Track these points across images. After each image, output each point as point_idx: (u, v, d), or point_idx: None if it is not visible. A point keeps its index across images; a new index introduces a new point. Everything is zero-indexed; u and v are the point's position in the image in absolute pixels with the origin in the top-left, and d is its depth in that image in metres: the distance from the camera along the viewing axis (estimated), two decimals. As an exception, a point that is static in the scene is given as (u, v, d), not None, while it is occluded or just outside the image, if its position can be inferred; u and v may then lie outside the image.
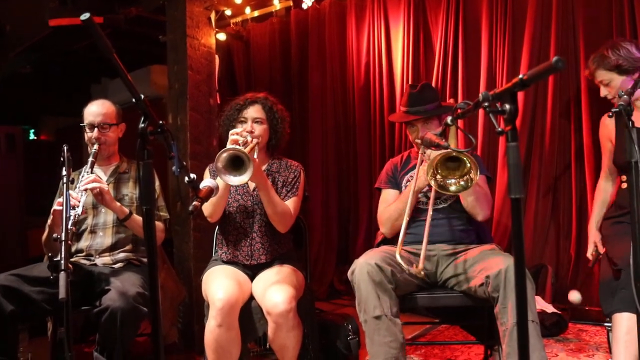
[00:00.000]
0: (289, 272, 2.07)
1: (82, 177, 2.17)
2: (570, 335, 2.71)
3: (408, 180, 2.25)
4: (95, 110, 2.33)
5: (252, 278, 2.10)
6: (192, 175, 1.48)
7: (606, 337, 2.15)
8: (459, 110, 1.37)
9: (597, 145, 2.45)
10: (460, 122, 2.93)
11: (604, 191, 2.28)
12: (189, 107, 3.05)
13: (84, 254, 2.28)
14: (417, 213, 2.16)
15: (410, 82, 3.47)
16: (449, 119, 1.43)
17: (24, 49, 4.58)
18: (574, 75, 2.94)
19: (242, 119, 2.16)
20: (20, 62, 4.97)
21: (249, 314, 1.98)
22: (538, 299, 2.76)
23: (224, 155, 1.85)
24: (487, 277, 1.83)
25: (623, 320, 1.81)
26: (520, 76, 1.05)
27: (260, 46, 4.35)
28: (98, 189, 2.12)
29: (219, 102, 3.28)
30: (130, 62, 4.75)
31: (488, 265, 1.88)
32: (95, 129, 2.31)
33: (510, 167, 1.10)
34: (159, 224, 2.34)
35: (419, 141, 2.20)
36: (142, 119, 1.23)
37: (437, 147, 1.70)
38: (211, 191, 1.71)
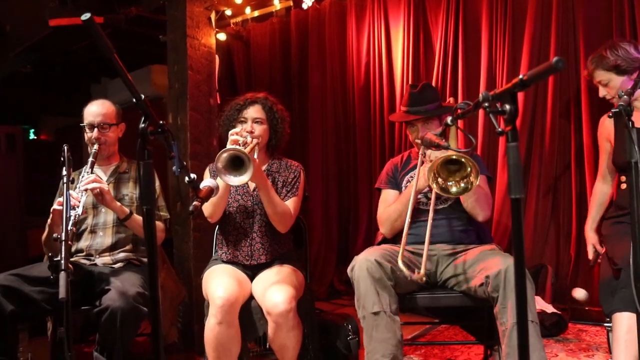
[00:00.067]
0: (289, 272, 2.07)
1: (82, 177, 2.17)
2: (570, 336, 2.71)
3: (408, 181, 2.25)
4: (95, 110, 2.33)
5: (252, 278, 2.10)
6: (193, 175, 1.48)
7: (606, 337, 2.15)
8: (459, 111, 1.38)
9: (597, 145, 2.45)
10: (460, 122, 2.95)
11: (601, 193, 2.30)
12: (189, 107, 3.06)
13: (84, 253, 2.28)
14: (417, 213, 2.16)
15: (410, 82, 3.47)
16: (449, 119, 1.43)
17: (24, 48, 4.58)
18: (574, 75, 2.94)
19: (242, 119, 2.16)
20: (20, 62, 4.97)
21: (249, 314, 1.98)
22: (538, 299, 2.76)
23: (224, 155, 1.85)
24: (487, 277, 1.83)
25: (623, 320, 1.81)
26: (521, 76, 1.05)
27: (261, 46, 4.35)
28: (98, 189, 2.12)
29: (219, 102, 3.29)
30: (131, 62, 4.74)
31: (488, 265, 1.88)
32: (95, 129, 2.31)
33: (510, 167, 1.11)
34: (159, 224, 2.34)
35: (419, 141, 2.21)
36: (143, 119, 1.23)
37: (437, 147, 1.70)
38: (211, 191, 1.71)
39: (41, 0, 3.85)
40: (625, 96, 1.59)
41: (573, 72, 2.94)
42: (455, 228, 2.16)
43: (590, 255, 2.30)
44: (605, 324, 2.02)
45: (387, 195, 2.29)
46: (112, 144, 2.39)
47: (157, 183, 2.30)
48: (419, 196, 2.17)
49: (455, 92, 3.31)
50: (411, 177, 2.24)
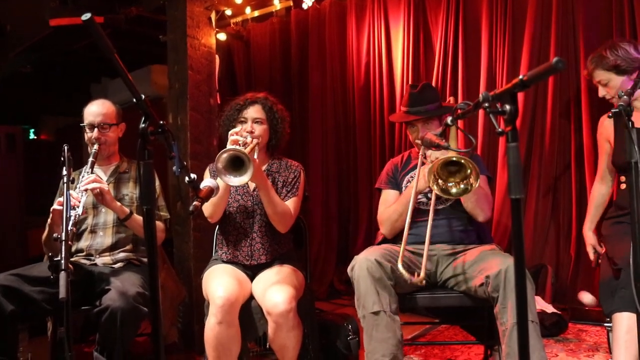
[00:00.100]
0: (289, 272, 2.07)
1: (83, 177, 2.17)
2: (570, 336, 2.71)
3: (408, 181, 2.25)
4: (95, 110, 2.33)
5: (252, 278, 2.10)
6: (193, 176, 1.48)
7: (606, 337, 2.15)
8: (459, 111, 1.38)
9: (597, 145, 2.45)
10: (460, 122, 2.95)
11: (599, 194, 2.29)
12: (189, 107, 3.06)
13: (84, 253, 2.28)
14: (417, 213, 2.16)
15: (410, 82, 3.47)
16: (449, 119, 1.43)
17: (24, 48, 4.58)
18: (574, 75, 2.94)
19: (242, 119, 2.16)
20: (20, 61, 4.97)
21: (249, 314, 1.98)
22: (538, 299, 2.76)
23: (224, 155, 1.85)
24: (487, 277, 1.84)
25: (623, 320, 1.81)
26: (521, 77, 1.05)
27: (261, 46, 4.35)
28: (98, 189, 2.12)
29: (219, 102, 3.29)
30: (131, 62, 4.74)
31: (488, 266, 1.88)
32: (95, 129, 2.31)
33: (510, 167, 1.11)
34: (159, 224, 2.34)
35: (419, 142, 2.21)
36: (143, 119, 1.23)
37: (437, 147, 1.70)
38: (211, 191, 1.71)
39: (41, 0, 3.85)
40: (625, 96, 1.59)
41: (573, 72, 2.94)
42: (455, 228, 2.16)
43: (591, 256, 2.30)
44: (606, 324, 2.02)
45: (388, 196, 2.29)
46: (112, 144, 2.39)
47: (157, 183, 2.30)
48: (420, 196, 2.17)
49: (455, 92, 3.31)
50: (411, 177, 2.24)
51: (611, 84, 2.10)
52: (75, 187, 2.18)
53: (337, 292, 3.95)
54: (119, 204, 2.23)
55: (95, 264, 2.24)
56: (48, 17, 3.75)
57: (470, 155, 2.23)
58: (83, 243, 2.29)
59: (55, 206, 2.08)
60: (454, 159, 1.88)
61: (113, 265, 2.24)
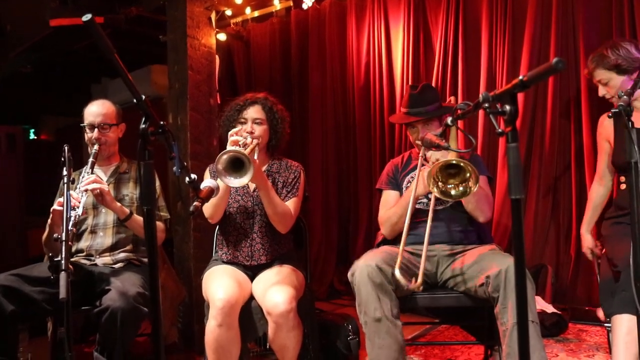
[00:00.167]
0: (289, 272, 2.07)
1: (83, 177, 2.17)
2: (570, 336, 2.71)
3: (409, 182, 2.25)
4: (96, 110, 2.33)
5: (252, 278, 2.10)
6: (193, 176, 1.48)
7: (606, 337, 2.15)
8: (459, 111, 1.38)
9: (597, 145, 2.46)
10: (460, 123, 2.95)
11: (597, 195, 2.29)
12: (189, 107, 3.06)
13: (84, 254, 2.28)
14: (418, 214, 2.16)
15: (410, 82, 3.48)
16: (449, 119, 1.43)
17: (25, 48, 4.57)
18: (574, 75, 2.94)
19: (242, 120, 2.15)
20: (20, 61, 4.97)
21: (249, 314, 1.98)
22: (538, 299, 2.76)
23: (224, 157, 1.84)
24: (488, 277, 1.84)
25: (623, 322, 1.81)
26: (521, 77, 1.05)
27: (261, 46, 4.35)
28: (98, 190, 2.12)
29: (219, 102, 3.29)
30: (131, 62, 4.74)
31: (488, 266, 1.88)
32: (96, 129, 2.31)
33: (510, 167, 1.11)
34: (159, 224, 2.34)
35: (419, 142, 2.21)
36: (143, 119, 1.23)
37: (437, 147, 1.70)
38: (212, 191, 1.71)
39: (42, 0, 3.85)
40: (625, 96, 1.59)
41: (573, 72, 2.94)
42: (455, 228, 2.16)
43: (589, 257, 2.31)
44: (606, 324, 2.02)
45: (388, 196, 2.29)
46: (112, 144, 2.39)
47: (157, 183, 2.30)
48: (420, 197, 2.17)
49: (455, 92, 3.31)
50: (411, 177, 2.24)
51: (611, 84, 2.09)
52: (76, 188, 2.18)
53: (337, 292, 3.95)
54: (119, 204, 2.23)
55: (96, 264, 2.24)
56: (48, 17, 3.75)
57: (470, 155, 2.23)
58: (83, 243, 2.29)
59: (56, 206, 2.08)
60: (454, 162, 1.88)
61: (113, 266, 2.24)
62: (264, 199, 2.04)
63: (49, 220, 2.16)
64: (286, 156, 2.32)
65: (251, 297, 2.02)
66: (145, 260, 2.29)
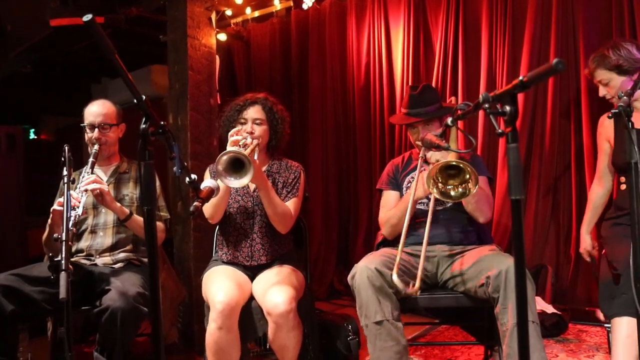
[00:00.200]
0: (289, 272, 2.07)
1: (83, 177, 2.17)
2: (570, 336, 2.71)
3: (409, 182, 2.25)
4: (96, 110, 2.33)
5: (252, 279, 2.10)
6: (193, 176, 1.48)
7: (606, 337, 2.15)
8: (459, 112, 1.38)
9: (597, 145, 2.46)
10: (460, 123, 2.95)
11: (597, 196, 2.28)
12: (190, 107, 3.06)
13: (84, 254, 2.28)
14: (417, 214, 2.16)
15: (410, 83, 3.48)
16: (449, 120, 1.43)
17: (25, 48, 4.58)
18: (574, 76, 2.94)
19: (242, 120, 2.15)
20: (20, 61, 4.97)
21: (249, 315, 1.98)
22: (538, 299, 2.76)
23: (224, 158, 1.84)
24: (488, 277, 1.84)
25: (623, 324, 1.81)
26: (521, 78, 1.05)
27: (261, 46, 4.35)
28: (98, 190, 2.12)
29: (219, 102, 3.29)
30: (131, 62, 4.73)
31: (488, 266, 1.88)
32: (96, 129, 2.31)
33: (510, 168, 1.11)
34: (159, 224, 2.34)
35: (419, 143, 2.21)
36: (144, 119, 1.23)
37: (438, 148, 1.70)
38: (212, 192, 1.71)
39: (42, 0, 3.85)
40: (624, 97, 1.59)
41: (573, 72, 2.94)
42: (455, 229, 2.15)
43: (587, 259, 2.32)
44: (605, 325, 2.02)
45: (388, 196, 2.29)
46: (112, 144, 2.39)
47: (157, 183, 2.30)
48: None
49: (455, 93, 3.31)
50: (412, 177, 2.24)
51: (612, 84, 2.09)
52: (76, 188, 2.18)
53: (337, 292, 3.95)
54: (118, 204, 2.23)
55: (96, 264, 2.24)
56: (48, 17, 3.75)
57: (471, 156, 2.23)
58: (83, 243, 2.29)
59: (56, 206, 2.09)
60: (453, 163, 1.88)
61: (113, 266, 2.24)
62: (264, 199, 2.04)
63: (49, 220, 2.16)
64: (286, 156, 2.32)
65: (251, 298, 2.02)
66: (145, 260, 2.29)
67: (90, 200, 2.25)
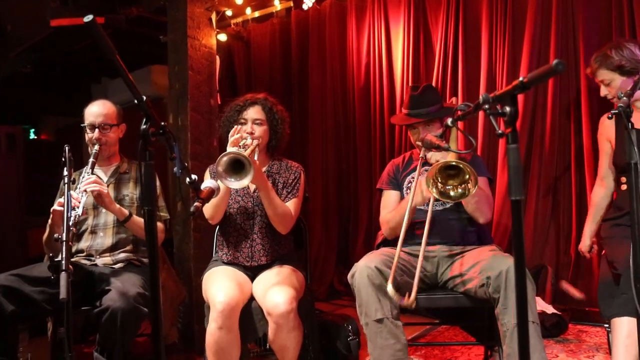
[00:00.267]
0: (289, 272, 2.07)
1: (83, 177, 2.17)
2: (571, 336, 2.71)
3: (409, 182, 2.25)
4: (96, 110, 2.33)
5: (252, 279, 2.10)
6: (194, 177, 1.48)
7: (606, 338, 2.15)
8: (459, 112, 1.38)
9: (597, 145, 2.45)
10: (460, 124, 2.95)
11: (599, 197, 2.26)
12: (190, 108, 3.06)
13: (84, 254, 2.28)
14: (417, 214, 2.16)
15: (410, 83, 3.48)
16: (449, 120, 1.43)
17: (25, 48, 4.58)
18: (573, 76, 2.94)
19: (242, 120, 2.15)
20: (20, 61, 4.97)
21: (249, 315, 1.98)
22: (538, 299, 2.76)
23: (225, 159, 1.84)
24: (488, 278, 1.84)
25: (623, 325, 1.81)
26: (521, 79, 1.05)
27: (261, 47, 4.35)
28: (97, 192, 2.12)
29: (219, 102, 3.29)
30: (131, 62, 4.73)
31: (488, 266, 1.88)
32: (96, 130, 2.31)
33: (510, 169, 1.11)
34: (159, 225, 2.34)
35: (419, 143, 2.20)
36: (144, 120, 1.23)
37: (438, 149, 1.70)
38: (212, 192, 1.71)
39: (42, 0, 3.85)
40: (624, 98, 1.59)
41: (573, 73, 2.94)
42: (455, 229, 2.15)
43: (587, 256, 2.34)
44: (605, 325, 2.03)
45: (389, 196, 2.29)
46: (112, 145, 2.39)
47: (157, 183, 2.30)
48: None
49: (455, 93, 3.32)
50: (412, 177, 2.24)
51: (614, 84, 2.08)
52: (76, 188, 2.18)
53: (337, 292, 3.95)
54: (117, 206, 2.22)
55: (96, 265, 2.24)
56: (49, 17, 3.75)
57: (471, 156, 2.23)
58: (83, 243, 2.29)
59: (56, 207, 2.08)
60: (453, 163, 1.88)
61: (113, 266, 2.24)
62: (264, 199, 2.04)
63: (49, 221, 2.16)
64: (286, 156, 2.32)
65: (251, 298, 2.02)
66: (146, 260, 2.30)
67: (90, 200, 2.25)
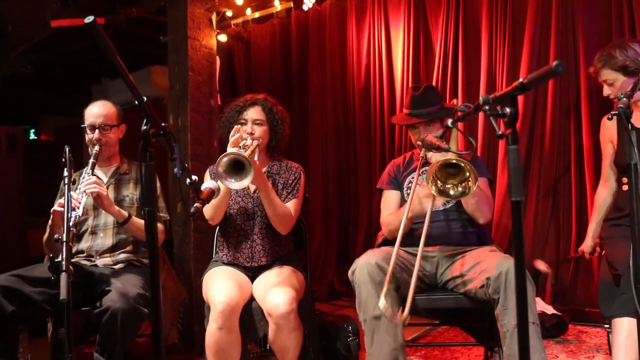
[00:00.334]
0: (289, 273, 2.07)
1: (83, 178, 2.17)
2: (570, 337, 2.71)
3: (410, 182, 2.25)
4: (96, 111, 2.33)
5: (252, 280, 2.10)
6: (194, 177, 1.48)
7: (606, 338, 2.15)
8: (459, 113, 1.38)
9: (597, 146, 2.45)
10: (460, 124, 2.95)
11: (603, 198, 2.25)
12: (190, 108, 3.06)
13: (84, 254, 2.28)
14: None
15: (410, 84, 3.48)
16: (449, 121, 1.43)
17: (25, 49, 4.58)
18: (573, 77, 2.94)
19: (242, 121, 2.16)
20: (21, 62, 4.97)
21: (249, 315, 1.98)
22: (538, 300, 2.76)
23: (225, 160, 1.84)
24: (488, 278, 1.84)
25: (623, 325, 1.81)
26: (521, 80, 1.06)
27: (261, 47, 4.36)
28: (96, 193, 2.12)
29: (219, 103, 3.29)
30: (131, 63, 4.73)
31: (488, 267, 1.88)
32: (96, 130, 2.31)
33: (510, 169, 1.11)
34: (159, 225, 2.34)
35: (420, 143, 2.21)
36: (145, 121, 1.23)
37: (438, 149, 1.70)
38: (212, 193, 1.70)
39: (42, 0, 3.86)
40: (624, 98, 1.58)
41: (573, 73, 2.94)
42: (455, 229, 2.15)
43: (587, 256, 2.34)
44: (605, 326, 2.03)
45: (389, 196, 2.29)
46: (113, 145, 2.39)
47: (157, 183, 2.29)
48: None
49: (455, 93, 3.32)
50: (413, 177, 2.24)
51: (617, 84, 2.06)
52: (76, 189, 2.18)
53: (337, 293, 3.95)
54: (117, 207, 2.22)
55: (96, 265, 2.24)
56: (49, 18, 3.75)
57: (472, 157, 2.23)
58: (83, 244, 2.29)
59: (56, 207, 2.08)
60: (453, 161, 1.87)
61: (113, 267, 2.24)
62: (265, 200, 2.04)
63: (50, 221, 2.16)
64: (286, 157, 2.32)
65: (251, 298, 2.02)
66: (146, 261, 2.30)
67: (90, 201, 2.25)
